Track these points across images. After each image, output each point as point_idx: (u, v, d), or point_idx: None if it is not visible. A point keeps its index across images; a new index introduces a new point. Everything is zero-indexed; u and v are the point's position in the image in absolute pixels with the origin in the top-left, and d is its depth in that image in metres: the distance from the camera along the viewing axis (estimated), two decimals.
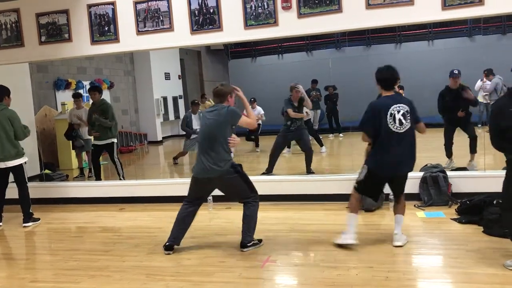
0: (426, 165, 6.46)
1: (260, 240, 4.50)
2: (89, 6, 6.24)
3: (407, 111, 4.07)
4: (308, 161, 7.35)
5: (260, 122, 10.26)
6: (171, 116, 16.22)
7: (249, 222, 4.40)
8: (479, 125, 9.76)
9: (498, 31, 15.65)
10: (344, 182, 6.01)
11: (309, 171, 7.24)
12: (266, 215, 5.58)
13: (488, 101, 9.11)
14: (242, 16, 5.70)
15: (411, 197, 5.57)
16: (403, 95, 6.32)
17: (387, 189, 5.52)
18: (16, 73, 7.37)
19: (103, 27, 6.24)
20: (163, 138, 15.52)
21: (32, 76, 8.53)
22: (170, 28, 5.97)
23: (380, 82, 4.25)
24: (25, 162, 5.92)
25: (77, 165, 9.72)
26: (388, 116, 4.05)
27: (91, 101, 8.00)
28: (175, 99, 16.50)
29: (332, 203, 5.77)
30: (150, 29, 6.04)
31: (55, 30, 6.37)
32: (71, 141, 9.01)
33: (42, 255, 4.98)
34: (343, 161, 9.40)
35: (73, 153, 9.60)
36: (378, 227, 4.96)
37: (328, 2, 5.42)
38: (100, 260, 4.38)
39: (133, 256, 4.46)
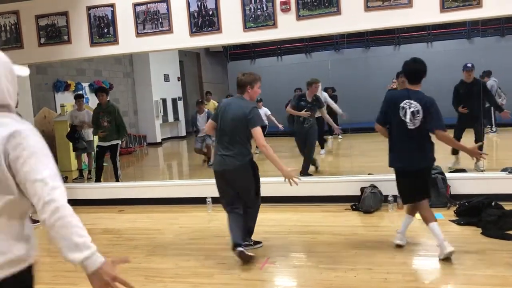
0: None
1: (257, 242, 4.46)
2: (89, 8, 6.26)
3: (417, 110, 3.88)
4: (306, 160, 7.36)
5: (266, 123, 10.23)
6: (170, 118, 16.24)
7: (252, 218, 4.37)
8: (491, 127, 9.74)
9: (496, 33, 15.71)
10: (342, 184, 6.05)
11: (301, 173, 7.08)
12: (264, 216, 5.59)
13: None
14: (241, 18, 5.71)
15: None
16: None
17: (385, 190, 5.59)
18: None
19: (103, 29, 6.25)
20: (162, 139, 15.53)
21: (31, 78, 8.54)
22: (169, 30, 5.98)
23: (406, 75, 4.07)
24: None
25: (77, 166, 9.73)
26: (401, 108, 3.91)
27: (89, 103, 8.01)
28: (174, 101, 16.52)
29: (331, 204, 5.78)
30: (149, 31, 6.05)
31: (54, 32, 6.38)
32: (71, 143, 9.01)
33: (41, 257, 4.97)
34: (341, 163, 9.43)
35: (73, 154, 9.61)
36: (377, 229, 4.96)
37: (327, 4, 5.43)
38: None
39: (132, 258, 4.40)
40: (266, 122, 10.28)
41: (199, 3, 5.84)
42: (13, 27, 6.53)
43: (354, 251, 4.22)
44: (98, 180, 7.77)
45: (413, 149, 3.93)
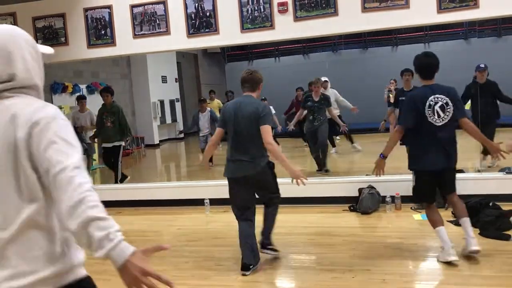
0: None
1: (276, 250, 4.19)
2: (86, 10, 6.25)
3: (446, 103, 3.73)
4: (322, 158, 7.50)
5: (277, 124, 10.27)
6: (168, 119, 16.23)
7: (271, 221, 4.12)
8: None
9: (493, 34, 15.75)
10: (340, 185, 6.05)
11: (321, 169, 7.43)
12: (261, 218, 5.59)
13: None
14: (239, 19, 5.71)
15: (408, 199, 5.57)
16: None
17: (383, 191, 5.59)
18: None
19: (100, 30, 6.24)
20: (160, 141, 15.52)
21: None
22: (167, 32, 5.97)
23: (418, 70, 3.91)
24: None
25: None
26: (427, 107, 3.74)
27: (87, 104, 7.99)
28: (172, 102, 16.51)
29: (329, 205, 5.78)
30: (146, 32, 6.05)
31: (51, 34, 6.37)
32: None
33: None
34: (340, 164, 9.42)
35: None
36: (375, 230, 4.96)
37: (324, 5, 5.43)
38: (97, 264, 4.33)
39: None
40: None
41: (196, 4, 5.84)
42: None
43: (352, 252, 4.21)
44: (122, 180, 7.61)
45: (446, 147, 3.78)
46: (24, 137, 1.36)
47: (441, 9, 5.12)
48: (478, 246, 3.75)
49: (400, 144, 6.84)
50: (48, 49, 1.64)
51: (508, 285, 3.35)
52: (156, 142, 15.19)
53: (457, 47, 15.31)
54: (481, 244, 4.16)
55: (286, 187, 4.12)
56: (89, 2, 6.24)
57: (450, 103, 3.73)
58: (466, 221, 3.85)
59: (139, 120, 15.11)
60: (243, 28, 5.72)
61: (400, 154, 10.49)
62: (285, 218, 5.52)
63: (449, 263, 3.76)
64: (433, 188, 3.99)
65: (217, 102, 11.29)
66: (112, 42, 6.21)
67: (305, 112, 7.83)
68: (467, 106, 6.93)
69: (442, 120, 3.73)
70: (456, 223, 4.78)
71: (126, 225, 5.92)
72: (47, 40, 6.38)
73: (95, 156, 10.07)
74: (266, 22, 5.64)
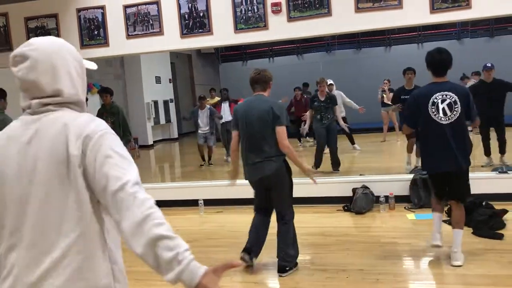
0: (416, 167, 6.52)
1: (296, 263, 3.95)
2: (79, 10, 6.22)
3: (454, 101, 3.59)
4: (333, 159, 7.60)
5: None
6: (162, 120, 16.19)
7: (285, 239, 3.87)
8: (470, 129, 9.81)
9: (486, 34, 15.85)
10: (334, 185, 6.06)
11: (334, 169, 7.55)
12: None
13: None
14: (232, 19, 5.70)
15: (402, 199, 5.61)
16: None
17: (376, 191, 5.60)
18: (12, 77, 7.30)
19: (93, 31, 6.21)
20: (154, 142, 15.47)
21: None
22: (160, 32, 5.95)
23: (430, 66, 3.75)
24: None
25: None
26: (430, 105, 3.62)
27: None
28: (166, 103, 16.47)
29: (323, 205, 5.79)
30: (140, 33, 6.02)
31: (44, 34, 6.25)
32: None
33: None
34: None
35: None
36: (369, 230, 4.97)
37: (317, 5, 5.44)
38: None
39: (123, 261, 4.42)
40: None
41: (189, 4, 5.83)
42: (1, 29, 6.47)
43: (345, 252, 4.22)
44: None
45: (452, 148, 3.61)
46: (78, 152, 1.30)
47: (434, 9, 5.14)
48: (460, 261, 3.70)
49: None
50: (92, 65, 1.59)
51: (501, 284, 3.36)
52: (150, 142, 15.14)
53: (450, 47, 15.05)
54: (474, 243, 4.20)
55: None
56: (82, 3, 6.21)
57: (458, 103, 3.59)
58: (456, 233, 3.78)
59: (132, 120, 14.99)
60: (237, 29, 5.71)
61: (393, 154, 10.57)
62: None
63: (439, 263, 3.78)
64: (442, 187, 3.89)
65: (217, 100, 11.34)
66: (105, 42, 6.19)
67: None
68: None
69: (449, 118, 3.60)
70: (450, 223, 4.80)
71: None
72: None
73: None
74: (260, 22, 5.64)
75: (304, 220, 5.39)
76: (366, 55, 16.65)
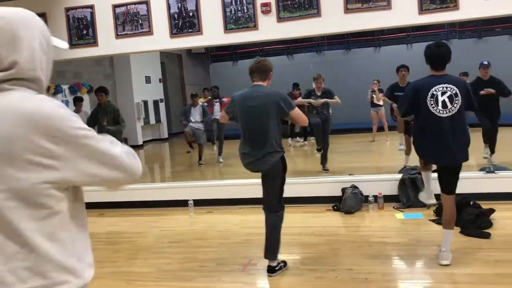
0: (405, 167, 6.57)
1: (285, 263, 3.95)
2: (67, 10, 6.18)
3: (455, 93, 3.54)
4: (322, 156, 7.63)
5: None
6: (152, 120, 16.13)
7: (273, 237, 3.83)
8: None
9: (474, 35, 16.02)
10: (323, 185, 6.08)
11: (323, 168, 7.56)
12: (245, 218, 5.61)
13: None
14: (222, 19, 5.71)
15: (390, 198, 5.65)
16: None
17: (366, 191, 5.63)
18: None
19: (82, 30, 6.18)
20: (143, 142, 15.41)
21: None
22: (150, 32, 5.94)
23: (429, 60, 3.71)
24: None
25: None
26: (429, 97, 3.57)
27: (69, 106, 7.89)
28: (156, 103, 16.41)
29: (312, 205, 5.80)
30: (129, 32, 6.00)
31: None
32: None
33: None
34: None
35: None
36: (358, 229, 5.00)
37: (307, 6, 5.46)
38: None
39: (113, 262, 4.41)
40: None
41: (179, 4, 5.82)
42: None
43: (335, 252, 4.24)
44: None
45: (451, 142, 3.57)
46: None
47: (422, 10, 5.18)
48: (448, 260, 3.72)
49: (405, 133, 6.96)
50: (62, 44, 1.47)
51: (489, 282, 3.40)
52: (140, 143, 15.07)
53: None
54: (462, 242, 4.24)
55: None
56: (70, 2, 6.17)
57: (459, 95, 3.55)
58: (446, 233, 3.79)
59: None
60: (227, 29, 5.72)
61: (382, 154, 10.63)
62: None
63: (427, 262, 3.82)
64: (445, 179, 3.81)
65: (209, 98, 11.37)
66: (94, 42, 6.15)
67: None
68: None
69: (450, 111, 3.55)
70: (438, 222, 4.85)
71: (109, 226, 5.88)
72: None
73: None
74: (250, 22, 5.65)
75: (294, 220, 5.41)
76: (356, 56, 16.74)
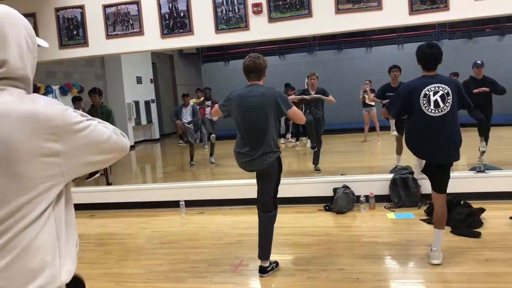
0: (396, 167, 6.60)
1: (277, 263, 3.96)
2: (57, 10, 6.14)
3: (447, 92, 3.57)
4: (315, 155, 7.63)
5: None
6: (143, 121, 16.05)
7: (265, 236, 3.83)
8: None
9: (464, 36, 16.13)
10: (315, 185, 6.08)
11: (315, 168, 7.55)
12: (237, 219, 5.60)
13: None
14: (213, 20, 5.70)
15: (382, 198, 5.67)
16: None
17: (357, 191, 5.65)
18: None
19: (72, 31, 6.14)
20: (135, 142, 15.33)
21: None
22: (140, 32, 5.91)
23: (421, 61, 3.73)
24: None
25: None
26: (422, 97, 3.60)
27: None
28: (147, 103, 16.33)
29: (304, 205, 5.81)
30: (119, 33, 5.97)
31: None
32: None
33: None
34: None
35: None
36: (349, 229, 5.00)
37: (298, 6, 5.46)
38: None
39: (103, 263, 4.39)
40: None
41: (170, 4, 5.80)
42: None
43: (326, 252, 4.24)
44: (108, 183, 7.45)
45: (443, 141, 3.61)
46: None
47: (413, 11, 5.21)
48: (439, 260, 3.75)
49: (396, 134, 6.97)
50: (44, 42, 1.47)
51: (479, 281, 3.42)
52: (131, 143, 15.00)
53: None
54: (452, 241, 4.26)
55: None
56: (60, 2, 6.13)
57: (451, 94, 3.58)
58: (436, 232, 3.80)
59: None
60: (218, 29, 5.71)
61: (374, 154, 10.66)
62: None
63: (418, 262, 3.84)
64: (433, 175, 3.85)
65: (203, 99, 11.35)
66: (84, 42, 6.12)
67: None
68: None
69: (442, 110, 3.58)
70: (429, 222, 4.87)
71: (100, 228, 5.84)
72: None
73: None
74: (241, 22, 5.64)
75: (285, 221, 5.40)
76: (348, 56, 16.78)
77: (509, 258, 3.85)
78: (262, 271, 3.80)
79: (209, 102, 10.34)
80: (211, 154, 9.88)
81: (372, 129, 11.68)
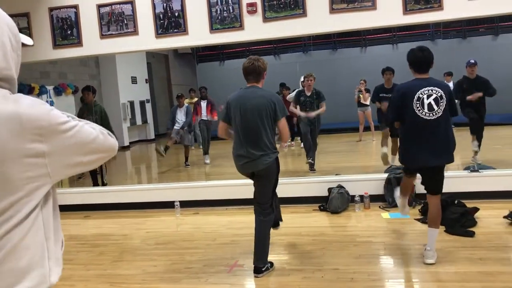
0: (391, 166, 6.60)
1: (272, 264, 3.93)
2: (51, 10, 6.11)
3: (440, 96, 3.60)
4: (312, 157, 7.57)
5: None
6: (138, 121, 16.01)
7: (261, 237, 3.83)
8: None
9: (458, 35, 16.18)
10: (310, 185, 6.09)
11: (310, 169, 7.53)
12: (232, 219, 5.59)
13: None
14: (208, 19, 5.69)
15: (376, 198, 5.67)
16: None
17: (352, 191, 5.65)
18: None
19: (66, 30, 6.11)
20: (130, 143, 15.29)
21: None
22: (135, 32, 5.90)
23: (412, 64, 3.75)
24: None
25: None
26: (415, 100, 3.61)
27: (55, 106, 7.78)
28: (142, 103, 16.29)
29: (299, 205, 5.80)
30: (114, 32, 5.95)
31: None
32: None
33: None
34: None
35: None
36: (344, 229, 5.01)
37: (292, 6, 5.46)
38: (63, 269, 4.24)
39: (98, 265, 4.37)
40: None
41: (164, 4, 5.78)
42: None
43: (321, 252, 4.24)
44: (95, 184, 7.40)
45: (437, 144, 3.63)
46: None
47: (407, 10, 5.22)
48: (433, 259, 3.75)
49: (390, 136, 6.98)
50: (28, 40, 1.42)
51: (472, 280, 3.43)
52: (126, 144, 14.94)
53: None
54: (446, 241, 4.28)
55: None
56: (54, 2, 6.10)
57: (444, 98, 3.61)
58: (430, 232, 3.81)
59: None
60: (212, 29, 5.70)
61: (368, 154, 10.67)
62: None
63: (413, 261, 3.85)
64: (429, 180, 3.86)
65: (196, 100, 11.33)
66: (78, 42, 6.09)
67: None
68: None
69: (436, 113, 3.60)
70: (423, 221, 4.88)
71: (94, 229, 5.82)
72: None
73: None
74: (235, 22, 5.64)
75: None
76: (342, 56, 16.80)
77: (503, 257, 3.87)
78: (257, 271, 3.80)
79: (205, 101, 10.29)
80: (205, 153, 9.80)
81: (366, 128, 11.70)
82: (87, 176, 7.59)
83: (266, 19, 5.54)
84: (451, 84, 9.14)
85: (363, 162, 9.23)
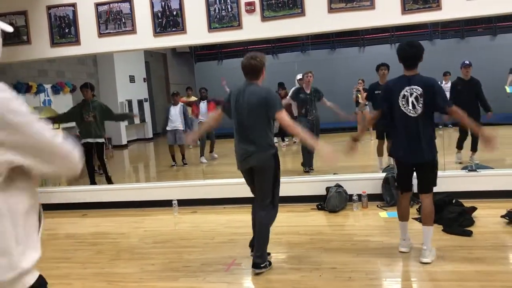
0: (388, 165, 6.61)
1: (269, 262, 3.93)
2: (49, 8, 6.09)
3: (420, 94, 3.65)
4: (309, 156, 7.56)
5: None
6: (136, 120, 15.97)
7: (262, 233, 3.85)
8: (440, 126, 10.02)
9: (456, 35, 16.21)
10: (308, 184, 6.09)
11: (308, 168, 7.49)
12: (230, 218, 5.59)
13: None
14: (206, 18, 5.68)
15: (374, 197, 5.68)
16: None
17: (350, 190, 5.66)
18: None
19: (64, 29, 6.10)
20: (128, 142, 15.27)
21: None
22: (133, 31, 5.89)
23: (402, 60, 3.79)
24: None
25: None
26: (401, 97, 3.70)
27: (52, 105, 7.79)
28: (140, 102, 16.26)
29: (296, 204, 5.80)
30: (112, 31, 5.94)
31: (13, 32, 6.15)
32: None
33: None
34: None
35: None
36: (342, 228, 5.02)
37: (291, 5, 5.46)
38: (61, 267, 4.27)
39: (95, 263, 4.36)
40: None
41: (163, 3, 5.78)
42: None
43: (319, 251, 4.25)
44: (93, 182, 7.35)
45: (421, 140, 3.70)
46: None
47: (405, 10, 5.22)
48: (429, 258, 3.76)
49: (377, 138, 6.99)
50: (7, 27, 1.42)
51: (469, 280, 3.43)
52: (124, 142, 14.91)
53: None
54: (444, 240, 4.28)
55: None
56: (52, 0, 6.08)
57: (423, 95, 3.65)
58: (425, 230, 3.84)
59: (106, 120, 14.81)
60: (211, 28, 5.69)
61: (366, 153, 10.67)
62: None
63: (410, 260, 3.85)
64: (407, 177, 3.95)
65: (194, 99, 11.29)
66: (76, 41, 6.08)
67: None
68: None
69: (416, 112, 3.68)
70: (421, 220, 4.88)
71: (92, 227, 5.82)
72: (8, 39, 6.19)
73: None
74: (234, 21, 5.63)
75: (278, 219, 5.34)
76: (341, 55, 16.81)
77: (500, 257, 3.88)
78: (256, 265, 3.79)
79: (205, 102, 10.24)
80: (201, 154, 9.72)
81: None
82: (85, 174, 7.58)
83: (264, 18, 5.54)
84: (448, 84, 9.17)
85: (361, 162, 9.22)
